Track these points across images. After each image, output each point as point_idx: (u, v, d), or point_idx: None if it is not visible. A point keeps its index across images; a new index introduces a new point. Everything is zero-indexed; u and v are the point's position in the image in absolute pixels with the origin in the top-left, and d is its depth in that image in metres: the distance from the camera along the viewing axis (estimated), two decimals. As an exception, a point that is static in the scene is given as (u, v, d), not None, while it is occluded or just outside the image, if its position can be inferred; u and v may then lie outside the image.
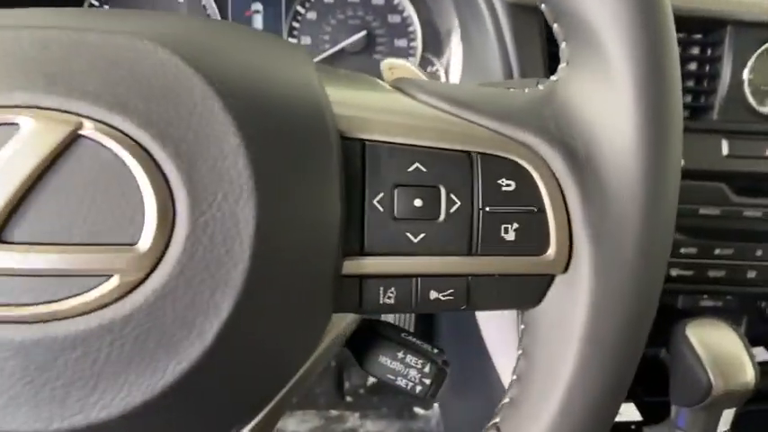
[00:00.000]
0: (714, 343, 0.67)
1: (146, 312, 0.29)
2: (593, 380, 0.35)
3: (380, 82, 0.41)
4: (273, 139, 0.31)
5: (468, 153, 0.35)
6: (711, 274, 0.80)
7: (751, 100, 0.77)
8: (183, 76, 0.30)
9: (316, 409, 1.57)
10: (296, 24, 0.91)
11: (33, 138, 0.28)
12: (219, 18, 0.89)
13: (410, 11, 0.92)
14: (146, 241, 0.28)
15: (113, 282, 0.28)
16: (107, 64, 0.29)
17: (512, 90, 0.39)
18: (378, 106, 0.36)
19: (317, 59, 0.91)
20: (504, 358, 0.88)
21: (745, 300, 0.90)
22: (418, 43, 0.92)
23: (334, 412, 1.57)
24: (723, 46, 0.77)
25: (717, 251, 0.79)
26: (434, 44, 0.92)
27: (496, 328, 0.88)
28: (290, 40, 0.91)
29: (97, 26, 0.31)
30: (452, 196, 0.35)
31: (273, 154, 0.30)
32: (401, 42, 0.93)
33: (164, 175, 0.29)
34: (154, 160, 0.29)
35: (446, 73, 0.92)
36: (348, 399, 1.58)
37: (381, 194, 0.34)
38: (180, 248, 0.29)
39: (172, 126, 0.29)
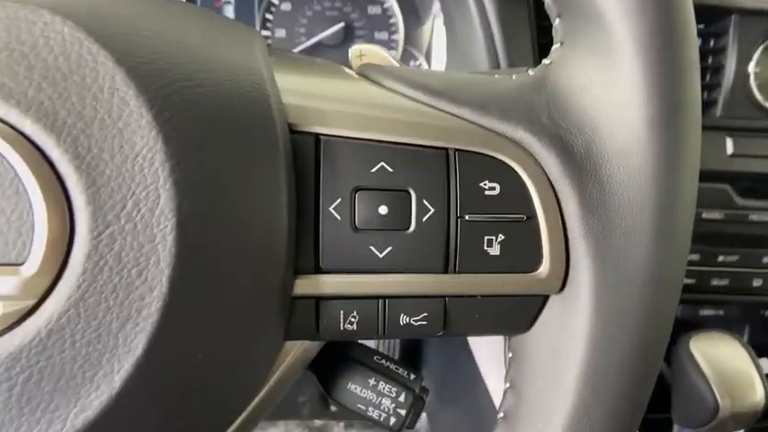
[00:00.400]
0: (721, 359, 0.62)
1: (38, 349, 0.23)
2: (592, 425, 0.29)
3: (345, 69, 0.36)
4: (202, 131, 0.25)
5: (444, 150, 0.29)
6: (715, 282, 0.74)
7: (757, 95, 0.72)
8: (87, 54, 0.24)
9: (299, 419, 1.51)
10: (269, 16, 0.85)
11: None
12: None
13: (391, 1, 0.86)
14: (35, 261, 0.23)
15: None
16: None
17: (496, 76, 0.33)
18: (336, 95, 0.30)
19: (291, 53, 0.85)
20: (492, 370, 0.83)
21: (747, 308, 0.84)
22: (400, 36, 0.87)
23: (318, 422, 1.52)
24: (727, 37, 0.71)
25: (720, 258, 0.74)
26: (417, 37, 0.87)
27: (484, 339, 0.82)
28: (264, 32, 0.86)
29: None
30: (425, 202, 0.29)
31: (200, 150, 0.25)
32: (382, 35, 0.87)
33: (59, 177, 0.23)
34: (47, 159, 0.23)
35: (429, 66, 0.86)
36: (333, 408, 1.53)
37: (339, 200, 0.28)
38: (78, 270, 0.23)
39: (70, 116, 0.23)
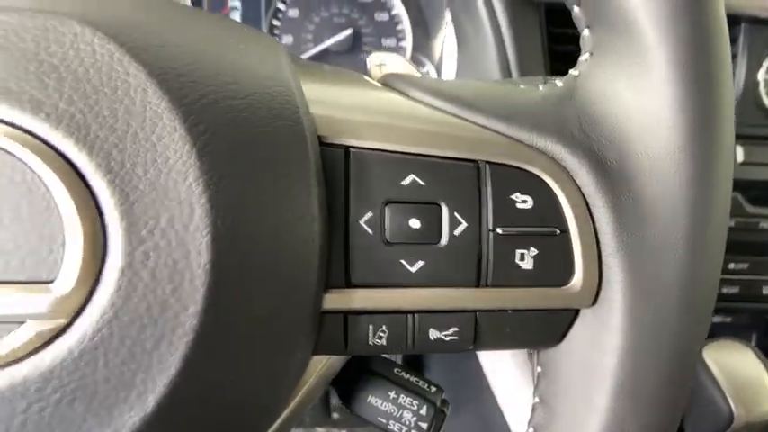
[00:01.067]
0: (735, 368, 0.62)
1: (70, 369, 0.22)
2: None
3: (367, 78, 0.35)
4: (234, 145, 0.24)
5: (475, 162, 0.29)
6: (724, 290, 0.74)
7: (767, 102, 0.72)
8: (119, 66, 0.23)
9: (301, 427, 1.50)
10: (276, 22, 0.85)
11: None
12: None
13: (399, 8, 0.86)
14: (67, 278, 0.22)
15: (26, 330, 0.22)
16: (17, 49, 0.23)
17: (522, 87, 0.32)
18: (364, 105, 0.30)
19: (299, 60, 0.85)
20: (499, 374, 0.82)
21: (755, 316, 0.84)
22: (408, 42, 0.86)
23: (320, 430, 1.51)
24: (737, 45, 0.71)
25: (731, 266, 0.74)
26: (425, 43, 0.87)
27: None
28: (271, 38, 0.85)
29: (6, 2, 0.25)
30: (456, 215, 0.28)
31: (233, 164, 0.24)
32: (389, 41, 0.87)
33: (91, 192, 0.23)
34: (78, 173, 0.23)
35: (438, 73, 0.86)
36: (335, 415, 1.51)
37: (370, 213, 0.28)
38: (112, 288, 0.22)
39: (102, 129, 0.23)
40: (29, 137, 0.22)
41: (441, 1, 0.81)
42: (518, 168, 0.29)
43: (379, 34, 0.86)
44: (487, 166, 0.29)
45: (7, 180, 0.22)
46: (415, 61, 0.87)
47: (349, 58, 0.86)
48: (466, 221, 0.28)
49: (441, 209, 0.28)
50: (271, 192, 0.25)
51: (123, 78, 0.23)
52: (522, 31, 0.67)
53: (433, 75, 0.86)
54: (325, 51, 0.85)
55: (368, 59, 0.43)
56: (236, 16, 0.85)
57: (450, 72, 0.82)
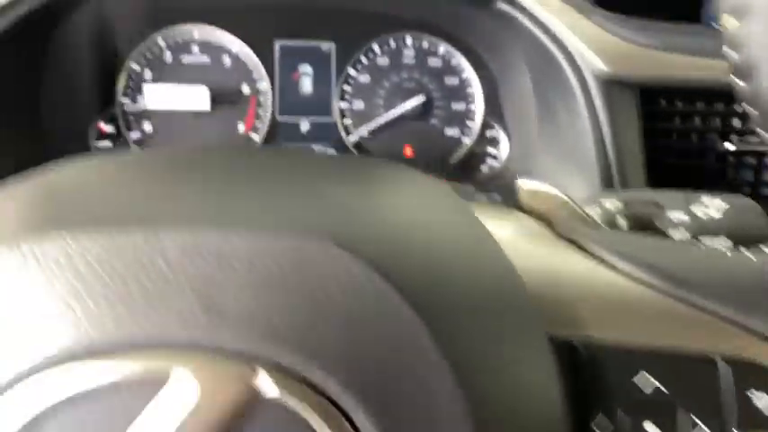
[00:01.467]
0: None
1: None
2: None
3: (548, 232, 0.34)
4: (486, 364, 0.23)
5: (712, 358, 0.27)
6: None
7: None
8: (383, 299, 0.22)
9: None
10: (347, 88, 0.84)
11: (194, 400, 0.20)
12: (267, 80, 0.81)
13: (469, 72, 0.84)
14: None
15: None
16: (277, 279, 0.22)
17: (727, 253, 0.31)
18: (577, 286, 0.28)
19: (372, 125, 0.83)
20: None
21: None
22: (478, 106, 0.85)
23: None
24: None
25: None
26: (495, 107, 0.85)
27: None
28: (342, 103, 0.84)
29: (257, 213, 0.23)
30: (694, 417, 0.27)
31: (489, 386, 0.23)
32: (459, 106, 0.85)
33: None
34: (346, 416, 0.21)
35: (510, 138, 0.84)
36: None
37: (600, 415, 0.26)
38: None
39: (373, 373, 0.21)
40: (308, 390, 0.21)
41: (517, 67, 0.80)
42: (756, 364, 0.27)
43: (449, 98, 0.85)
44: (725, 362, 0.27)
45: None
46: (486, 125, 0.85)
47: (419, 123, 0.84)
48: (705, 424, 0.27)
49: (676, 409, 0.27)
50: (522, 401, 0.24)
51: (385, 311, 0.22)
52: (617, 110, 0.66)
53: (503, 139, 0.85)
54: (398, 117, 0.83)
55: (518, 185, 0.42)
56: (308, 81, 0.83)
57: (527, 136, 0.80)
